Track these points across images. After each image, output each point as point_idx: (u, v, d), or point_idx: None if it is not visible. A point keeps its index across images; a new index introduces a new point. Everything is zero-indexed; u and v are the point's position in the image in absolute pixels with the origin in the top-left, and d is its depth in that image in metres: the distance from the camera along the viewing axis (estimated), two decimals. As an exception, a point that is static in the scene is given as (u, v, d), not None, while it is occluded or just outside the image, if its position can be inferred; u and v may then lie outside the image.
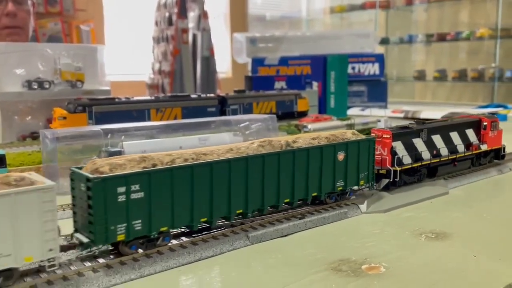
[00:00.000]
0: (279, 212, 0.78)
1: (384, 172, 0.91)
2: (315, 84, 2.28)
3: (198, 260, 0.64)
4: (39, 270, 0.58)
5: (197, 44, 5.87)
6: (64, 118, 1.33)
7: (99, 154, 1.09)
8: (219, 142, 1.24)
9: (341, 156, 0.85)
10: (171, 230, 0.65)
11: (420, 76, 5.93)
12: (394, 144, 0.93)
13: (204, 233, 0.70)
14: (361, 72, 2.72)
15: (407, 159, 0.94)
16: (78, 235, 0.62)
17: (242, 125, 1.35)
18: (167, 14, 5.61)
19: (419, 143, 0.98)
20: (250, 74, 2.79)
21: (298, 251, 0.68)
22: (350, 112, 2.55)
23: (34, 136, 1.47)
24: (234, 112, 1.67)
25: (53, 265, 0.56)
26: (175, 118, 1.52)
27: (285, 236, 0.74)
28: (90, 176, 0.61)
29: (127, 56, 6.79)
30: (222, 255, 0.66)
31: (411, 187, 0.96)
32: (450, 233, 0.74)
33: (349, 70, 2.73)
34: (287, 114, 1.85)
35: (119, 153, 1.07)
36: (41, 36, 5.29)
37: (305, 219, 0.77)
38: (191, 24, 5.64)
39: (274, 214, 0.77)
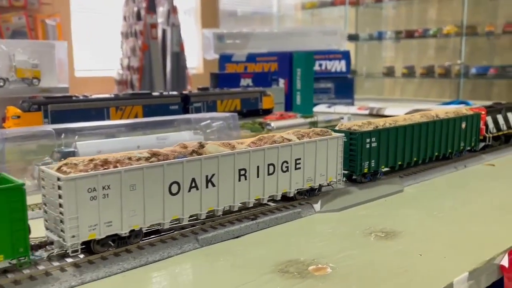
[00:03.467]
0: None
1: (481, 138, 1.29)
2: (281, 81, 2.28)
3: (144, 265, 0.63)
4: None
5: (167, 40, 5.80)
6: (18, 117, 1.28)
7: (51, 155, 1.05)
8: (178, 141, 1.23)
9: (463, 125, 1.20)
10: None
11: (389, 72, 6.02)
12: (487, 118, 1.30)
13: (152, 236, 0.68)
14: (328, 69, 2.74)
15: (494, 130, 1.33)
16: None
17: (203, 123, 1.34)
18: (135, 9, 5.51)
19: (500, 118, 1.36)
20: (217, 71, 2.77)
21: (248, 253, 0.68)
22: (316, 109, 2.56)
23: (-12, 136, 1.42)
24: (198, 110, 1.65)
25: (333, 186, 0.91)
26: (135, 117, 1.50)
27: (237, 237, 0.73)
28: (352, 131, 0.95)
29: (95, 51, 6.67)
30: (170, 258, 0.65)
31: (367, 185, 0.96)
32: (400, 231, 0.75)
33: (316, 67, 2.75)
34: (252, 111, 1.85)
35: (72, 153, 1.04)
36: (5, 30, 5.13)
37: (258, 220, 0.77)
38: (160, 19, 5.56)
39: (226, 216, 0.76)
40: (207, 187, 0.71)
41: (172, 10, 5.64)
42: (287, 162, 0.81)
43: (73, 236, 0.58)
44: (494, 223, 0.79)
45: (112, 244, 0.63)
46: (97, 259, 0.61)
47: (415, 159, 1.07)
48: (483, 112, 1.29)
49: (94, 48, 6.66)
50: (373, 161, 0.97)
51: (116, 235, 0.63)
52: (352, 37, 6.17)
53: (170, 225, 0.67)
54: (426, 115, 1.12)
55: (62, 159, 0.96)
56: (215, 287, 0.58)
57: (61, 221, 0.58)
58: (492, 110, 1.34)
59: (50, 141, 1.08)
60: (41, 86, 1.52)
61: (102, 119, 1.43)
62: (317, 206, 0.85)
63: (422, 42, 5.94)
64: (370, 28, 6.32)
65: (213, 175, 0.71)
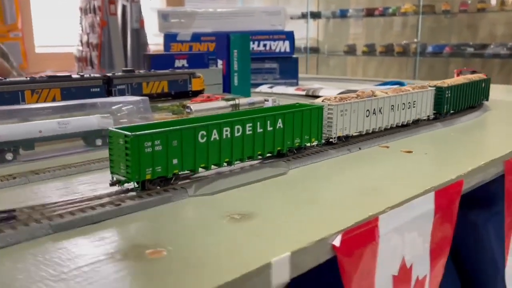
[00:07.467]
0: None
1: None
2: (220, 62, 2.30)
3: (-10, 251, 0.67)
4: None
5: (127, 16, 5.69)
6: None
7: None
8: (84, 125, 1.25)
9: (483, 85, 1.82)
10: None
11: (351, 50, 6.08)
12: None
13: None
14: (272, 49, 2.77)
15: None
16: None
17: (114, 107, 1.36)
18: (93, -16, 5.38)
19: None
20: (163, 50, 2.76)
21: (97, 238, 0.72)
22: (259, 89, 2.60)
23: None
24: (121, 93, 1.66)
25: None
26: (53, 100, 1.50)
27: (95, 223, 0.77)
28: (438, 87, 1.52)
29: (56, 27, 6.50)
30: (18, 245, 0.69)
31: (251, 169, 1.01)
32: (257, 213, 0.80)
33: (261, 48, 2.77)
34: (181, 93, 1.87)
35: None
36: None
37: (122, 206, 0.80)
38: (119, -5, 5.44)
39: (85, 201, 0.80)
40: (378, 113, 1.28)
41: (132, -14, 5.51)
42: (409, 103, 1.36)
43: (335, 133, 1.17)
44: (347, 206, 0.85)
45: (344, 140, 1.22)
46: None
47: (465, 106, 1.68)
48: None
49: (55, 24, 6.48)
50: (448, 105, 1.55)
51: (347, 135, 1.22)
52: (315, 15, 6.19)
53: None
54: (467, 78, 1.70)
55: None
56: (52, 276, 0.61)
57: (329, 126, 1.16)
58: None
59: None
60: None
61: (17, 103, 1.43)
62: (190, 190, 0.89)
63: (385, 20, 6.00)
64: (336, 5, 6.33)
65: (381, 107, 1.28)
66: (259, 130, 0.98)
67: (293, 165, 1.08)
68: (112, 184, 0.86)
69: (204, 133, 0.88)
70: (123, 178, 0.84)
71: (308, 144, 1.11)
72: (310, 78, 3.19)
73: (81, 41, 5.77)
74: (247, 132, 0.96)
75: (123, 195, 0.84)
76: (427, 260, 0.94)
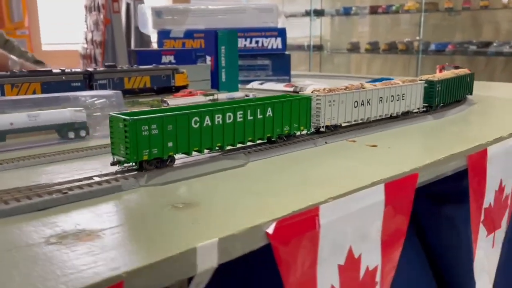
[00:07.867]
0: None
1: None
2: (208, 59, 2.32)
3: None
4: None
5: (131, 14, 5.75)
6: None
7: None
8: (55, 118, 1.28)
9: (468, 79, 1.85)
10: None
11: (354, 48, 6.06)
12: None
13: (-48, 208, 0.74)
14: (264, 46, 2.78)
15: None
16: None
17: (89, 101, 1.38)
18: (97, -18, 5.44)
19: None
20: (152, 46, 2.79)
21: (38, 225, 0.74)
22: (250, 85, 2.61)
23: None
24: (103, 87, 1.69)
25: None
26: (34, 94, 1.54)
27: (41, 210, 0.79)
28: (429, 81, 1.55)
29: (61, 24, 6.57)
30: (-40, 228, 0.71)
31: (208, 160, 1.02)
32: (200, 203, 0.82)
33: (253, 44, 2.78)
34: (164, 88, 1.89)
35: None
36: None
37: (69, 193, 0.83)
38: (123, -7, 5.49)
39: (34, 188, 0.82)
40: (366, 105, 1.31)
41: (135, -16, 5.57)
42: (398, 95, 1.40)
43: (323, 122, 1.22)
44: (292, 197, 0.86)
45: (332, 129, 1.25)
46: None
47: (452, 99, 1.72)
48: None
49: (61, 22, 6.56)
50: (439, 98, 1.59)
51: (335, 124, 1.26)
52: (318, 13, 6.18)
53: None
54: (454, 72, 1.77)
55: None
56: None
57: (318, 115, 1.21)
58: None
59: None
60: None
61: (-3, 96, 1.46)
62: (142, 180, 0.91)
63: (390, 18, 5.97)
64: (341, 3, 6.32)
65: (369, 99, 1.31)
66: (250, 117, 1.04)
67: (253, 157, 1.09)
68: (113, 164, 0.94)
69: (197, 119, 0.94)
70: (122, 159, 0.91)
71: (298, 132, 1.17)
72: (305, 75, 3.20)
73: (85, 39, 5.84)
74: (238, 119, 1.02)
75: (72, 184, 0.86)
76: (378, 251, 0.95)
